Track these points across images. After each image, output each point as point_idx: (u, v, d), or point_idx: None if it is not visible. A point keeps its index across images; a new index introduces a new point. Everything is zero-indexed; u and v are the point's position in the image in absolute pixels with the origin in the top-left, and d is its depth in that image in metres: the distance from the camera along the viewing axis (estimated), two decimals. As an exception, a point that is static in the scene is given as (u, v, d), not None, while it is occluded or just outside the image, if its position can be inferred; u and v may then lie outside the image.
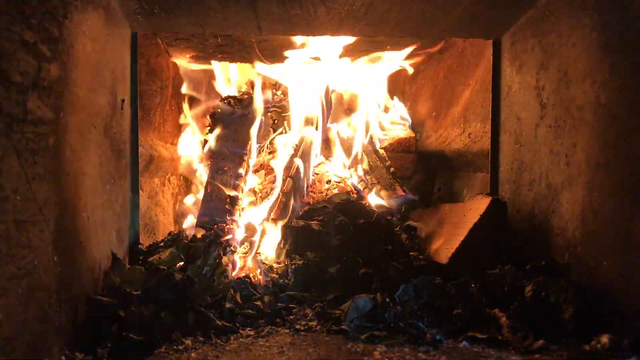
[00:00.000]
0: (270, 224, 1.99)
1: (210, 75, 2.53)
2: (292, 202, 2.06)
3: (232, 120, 2.25)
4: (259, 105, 2.31)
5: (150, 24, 1.64)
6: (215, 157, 2.13)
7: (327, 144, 2.53)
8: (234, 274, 1.68)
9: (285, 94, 2.56)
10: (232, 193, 1.97)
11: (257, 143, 2.32)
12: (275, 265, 1.79)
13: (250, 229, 2.05)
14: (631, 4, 1.13)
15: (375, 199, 2.29)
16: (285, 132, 2.50)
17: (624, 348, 1.05)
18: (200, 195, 2.10)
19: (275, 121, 2.57)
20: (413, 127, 2.78)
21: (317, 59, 2.21)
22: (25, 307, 0.90)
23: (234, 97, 2.36)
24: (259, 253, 1.90)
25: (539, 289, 1.27)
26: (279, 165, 2.22)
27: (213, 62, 2.39)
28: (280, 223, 1.97)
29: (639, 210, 1.09)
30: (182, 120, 2.49)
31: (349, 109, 2.67)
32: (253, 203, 2.20)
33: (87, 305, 1.17)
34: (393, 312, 1.28)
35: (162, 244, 1.72)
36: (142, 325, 1.23)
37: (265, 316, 1.39)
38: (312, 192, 2.33)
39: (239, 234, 1.94)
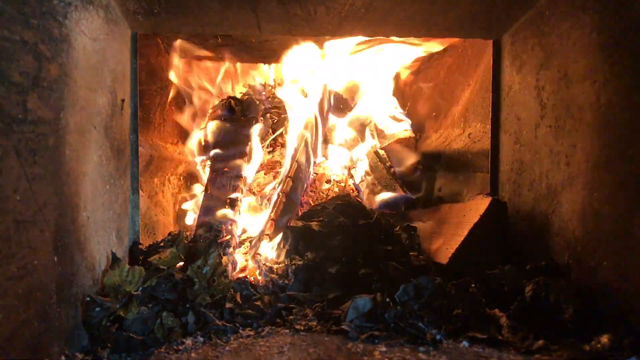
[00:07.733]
0: (269, 224, 1.99)
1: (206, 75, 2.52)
2: (292, 202, 2.06)
3: (232, 120, 2.25)
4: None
5: (150, 24, 1.64)
6: (214, 158, 2.13)
7: (327, 144, 2.53)
8: (233, 274, 1.68)
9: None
10: (232, 194, 1.97)
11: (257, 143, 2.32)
12: (275, 266, 1.79)
13: (250, 230, 2.05)
14: (631, 4, 1.13)
15: (375, 200, 2.29)
16: (285, 133, 2.50)
17: (624, 348, 1.05)
18: (200, 195, 2.11)
19: (275, 121, 2.57)
20: (413, 127, 2.78)
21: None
22: (25, 307, 0.90)
23: (234, 98, 2.36)
24: (259, 253, 1.89)
25: (539, 289, 1.27)
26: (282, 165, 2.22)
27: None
28: (281, 223, 1.96)
29: (639, 210, 1.09)
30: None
31: (349, 108, 2.66)
32: (252, 203, 2.20)
33: (87, 305, 1.17)
34: (393, 312, 1.28)
35: (162, 244, 1.73)
36: (142, 325, 1.23)
37: (265, 316, 1.39)
38: (312, 191, 2.33)
39: (238, 234, 1.94)
